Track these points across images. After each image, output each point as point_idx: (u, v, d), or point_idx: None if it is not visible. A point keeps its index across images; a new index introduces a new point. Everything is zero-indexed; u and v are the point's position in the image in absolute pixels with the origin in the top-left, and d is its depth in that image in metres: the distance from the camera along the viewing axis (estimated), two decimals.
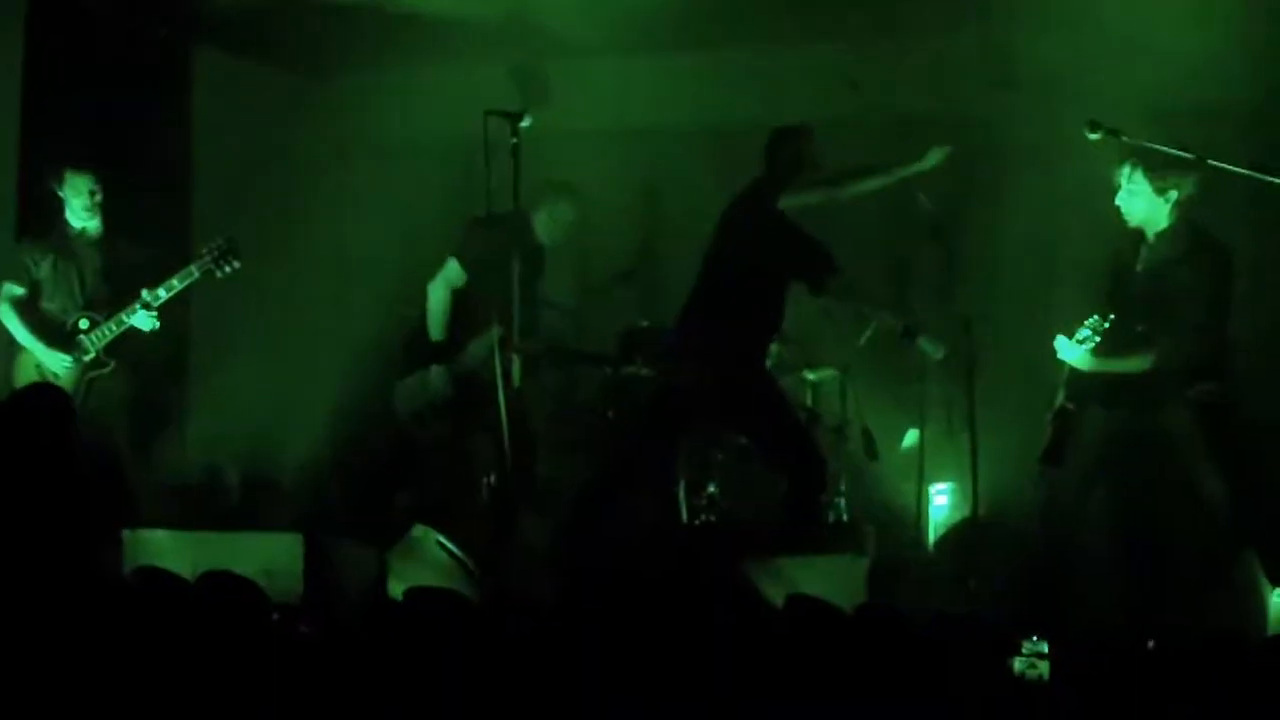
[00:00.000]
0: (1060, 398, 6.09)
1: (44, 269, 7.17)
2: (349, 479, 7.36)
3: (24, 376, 7.10)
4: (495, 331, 6.98)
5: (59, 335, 7.12)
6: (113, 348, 7.13)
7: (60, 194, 7.16)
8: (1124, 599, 5.67)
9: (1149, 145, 5.91)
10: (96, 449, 6.81)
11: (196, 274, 7.06)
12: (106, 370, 7.12)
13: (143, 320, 7.07)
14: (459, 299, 7.27)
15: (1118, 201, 6.02)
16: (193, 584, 4.97)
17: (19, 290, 7.19)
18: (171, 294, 7.05)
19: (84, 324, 7.13)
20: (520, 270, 6.63)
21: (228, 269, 7.09)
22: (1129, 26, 7.82)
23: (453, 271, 7.25)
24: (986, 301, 7.37)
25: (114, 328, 7.09)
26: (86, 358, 7.09)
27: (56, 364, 7.08)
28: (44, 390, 6.25)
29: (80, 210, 7.14)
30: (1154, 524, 5.91)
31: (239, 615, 4.82)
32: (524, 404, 6.68)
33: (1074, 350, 5.97)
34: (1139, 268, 6.06)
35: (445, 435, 7.36)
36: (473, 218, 7.13)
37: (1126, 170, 5.96)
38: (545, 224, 7.35)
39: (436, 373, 7.26)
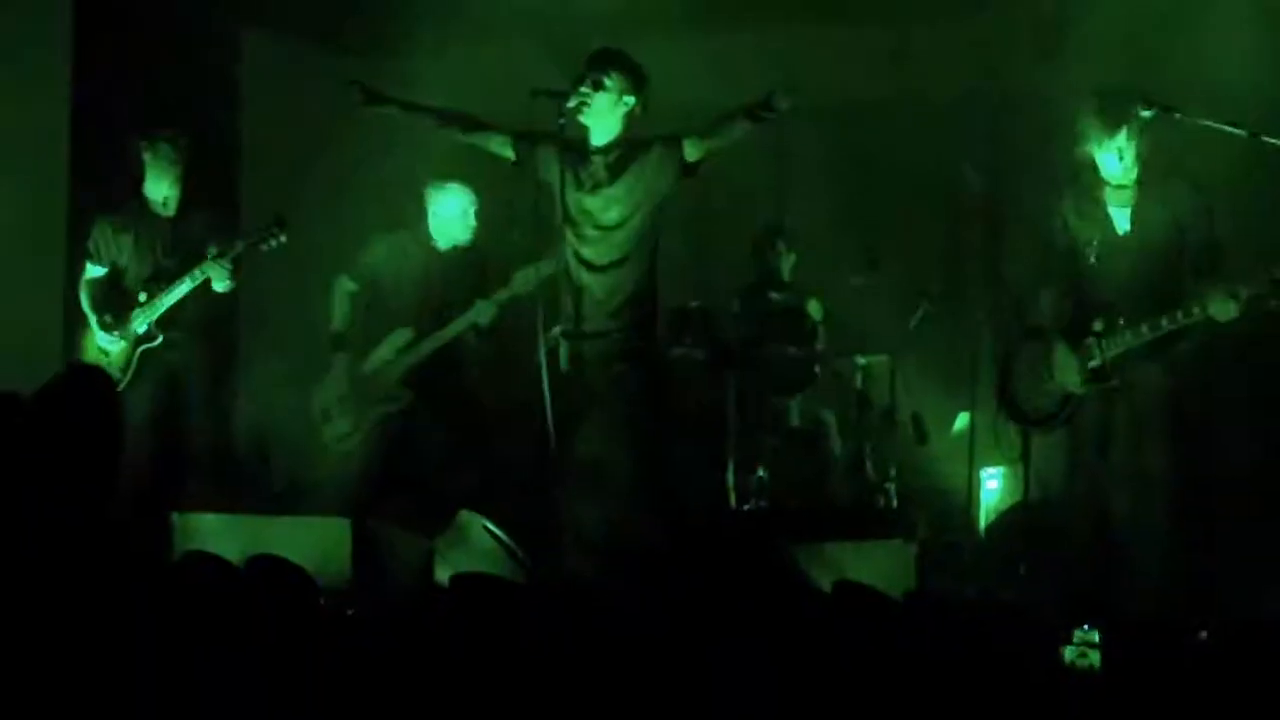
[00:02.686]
0: None
1: (125, 245, 7.14)
2: (396, 463, 7.36)
3: (88, 355, 7.11)
4: (402, 333, 7.21)
5: (118, 311, 7.11)
6: (166, 322, 7.07)
7: (144, 163, 7.10)
8: (1177, 585, 5.61)
9: (1201, 121, 5.84)
10: (144, 426, 6.88)
11: (241, 247, 6.99)
12: (156, 344, 7.05)
13: (218, 275, 6.97)
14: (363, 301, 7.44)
15: None
16: (241, 569, 4.99)
17: (99, 270, 7.17)
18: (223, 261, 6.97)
19: (142, 297, 7.08)
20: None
21: (274, 243, 7.02)
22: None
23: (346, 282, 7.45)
24: (1037, 279, 7.31)
25: (164, 300, 7.02)
26: (139, 330, 7.05)
27: (107, 342, 7.09)
28: (87, 372, 6.20)
29: (165, 180, 7.09)
30: (1208, 508, 5.85)
31: (287, 600, 4.83)
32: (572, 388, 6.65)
33: None
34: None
35: (345, 432, 7.41)
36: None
37: None
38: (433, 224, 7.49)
39: (339, 362, 7.38)
